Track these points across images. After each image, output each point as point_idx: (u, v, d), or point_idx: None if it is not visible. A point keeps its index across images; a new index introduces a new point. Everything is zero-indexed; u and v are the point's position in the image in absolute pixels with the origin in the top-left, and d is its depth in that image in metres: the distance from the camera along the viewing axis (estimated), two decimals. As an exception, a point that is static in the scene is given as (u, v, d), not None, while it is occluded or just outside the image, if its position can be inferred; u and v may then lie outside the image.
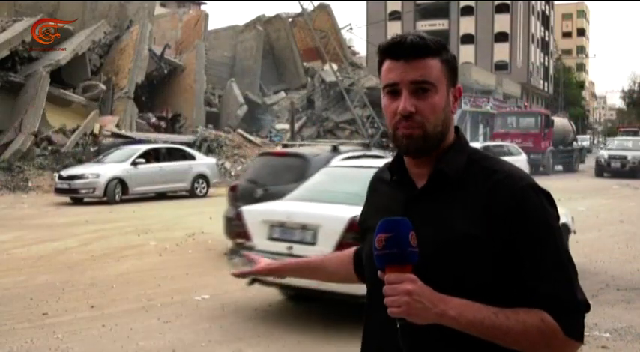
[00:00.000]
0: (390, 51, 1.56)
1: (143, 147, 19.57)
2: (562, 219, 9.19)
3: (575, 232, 9.54)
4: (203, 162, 20.24)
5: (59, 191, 18.14)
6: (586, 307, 1.54)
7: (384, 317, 1.47)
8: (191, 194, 19.27)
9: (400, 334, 1.42)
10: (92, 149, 23.34)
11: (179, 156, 19.86)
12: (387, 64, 1.57)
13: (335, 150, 9.86)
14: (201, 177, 19.67)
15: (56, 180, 18.55)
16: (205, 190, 19.67)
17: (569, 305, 1.49)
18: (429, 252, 1.46)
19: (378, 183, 1.77)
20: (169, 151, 20.02)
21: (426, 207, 1.56)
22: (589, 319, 6.28)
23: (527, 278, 1.48)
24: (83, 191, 17.61)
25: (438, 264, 1.48)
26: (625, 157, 28.64)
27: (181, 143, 25.60)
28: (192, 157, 20.10)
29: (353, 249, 1.95)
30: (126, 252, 10.35)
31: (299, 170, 8.96)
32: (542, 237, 1.51)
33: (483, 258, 1.49)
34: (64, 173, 18.39)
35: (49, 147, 23.67)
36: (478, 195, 1.53)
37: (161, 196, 19.16)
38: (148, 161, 18.74)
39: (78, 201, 17.78)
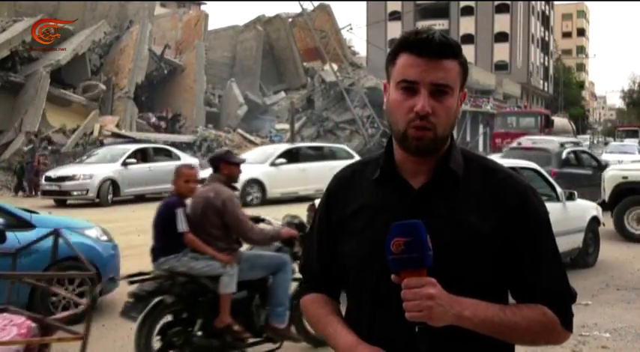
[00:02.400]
0: (415, 46, 1.50)
1: (132, 147, 19.29)
2: (593, 213, 9.30)
3: (604, 224, 9.64)
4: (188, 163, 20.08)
5: (46, 193, 17.70)
6: (575, 298, 1.61)
7: (393, 319, 1.48)
8: None
9: (419, 337, 1.41)
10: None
11: (165, 157, 19.51)
12: (405, 57, 1.52)
13: (562, 145, 14.73)
14: None
15: (42, 181, 18.09)
16: None
17: (567, 298, 1.56)
18: (440, 250, 1.43)
19: (352, 179, 1.68)
20: (155, 151, 19.72)
21: (432, 205, 1.54)
22: (589, 319, 6.30)
23: (528, 275, 1.54)
24: (75, 193, 17.17)
25: (445, 263, 1.46)
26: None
27: (181, 143, 25.58)
28: (178, 157, 19.62)
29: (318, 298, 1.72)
30: (127, 251, 10.30)
31: (546, 160, 12.99)
32: (542, 235, 1.57)
33: (487, 256, 1.52)
34: (53, 174, 17.87)
35: (49, 147, 23.69)
36: (484, 194, 1.55)
37: (140, 198, 18.62)
38: (136, 161, 18.44)
39: (61, 203, 17.33)
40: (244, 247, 5.16)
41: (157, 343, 4.69)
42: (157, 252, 4.84)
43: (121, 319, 6.44)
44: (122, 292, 7.82)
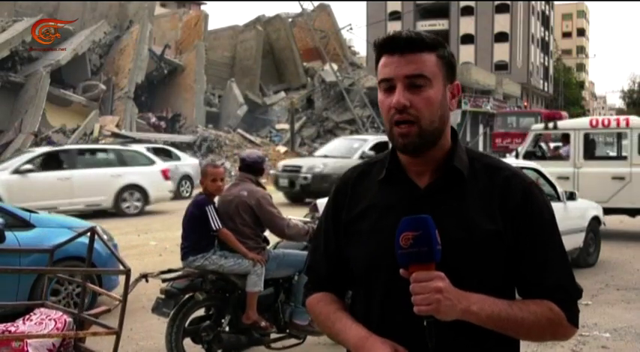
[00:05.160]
0: (385, 46, 1.55)
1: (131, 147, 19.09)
2: (593, 213, 9.32)
3: (604, 224, 9.66)
4: (188, 163, 19.80)
5: None
6: (581, 294, 1.62)
7: (402, 314, 1.49)
8: (176, 195, 18.46)
9: (427, 331, 1.43)
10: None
11: (165, 157, 19.17)
12: (382, 59, 1.56)
13: None
14: (186, 177, 19.23)
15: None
16: (190, 191, 19.11)
17: (573, 294, 1.58)
18: (447, 248, 1.45)
19: (359, 180, 1.69)
20: (155, 151, 19.21)
21: (439, 204, 1.55)
22: (589, 319, 6.30)
23: (534, 271, 1.56)
24: None
25: (452, 261, 1.48)
26: (298, 169, 16.93)
27: (181, 143, 25.55)
28: (178, 158, 19.64)
29: (322, 297, 1.72)
30: (126, 251, 10.32)
31: None
32: (547, 231, 1.59)
33: (500, 253, 1.54)
34: None
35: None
36: (490, 192, 1.57)
37: None
38: None
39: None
40: (270, 246, 5.32)
41: (187, 337, 4.86)
42: (186, 251, 4.95)
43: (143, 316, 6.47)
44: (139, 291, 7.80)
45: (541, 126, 12.42)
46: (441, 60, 1.55)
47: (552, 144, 13.15)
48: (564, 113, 14.04)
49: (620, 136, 12.70)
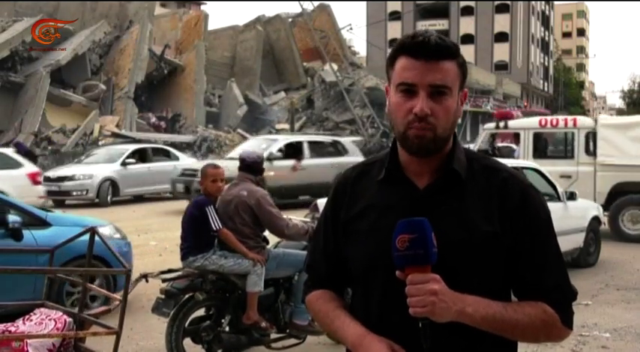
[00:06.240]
0: (412, 49, 1.53)
1: (131, 148, 19.09)
2: (594, 212, 9.34)
3: (604, 224, 9.67)
4: (187, 163, 19.96)
5: (46, 193, 16.64)
6: (576, 296, 1.63)
7: (399, 315, 1.50)
8: (175, 195, 18.94)
9: (422, 332, 1.44)
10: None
11: (163, 157, 19.38)
12: (403, 61, 1.54)
13: None
14: None
15: (42, 181, 16.66)
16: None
17: (568, 296, 1.59)
18: (445, 249, 1.46)
19: (358, 179, 1.70)
20: (154, 151, 19.58)
21: (437, 205, 1.56)
22: (589, 319, 6.31)
23: (530, 273, 1.57)
24: (75, 193, 16.93)
25: (450, 262, 1.49)
26: (195, 174, 15.57)
27: (181, 143, 25.53)
28: (177, 158, 19.59)
29: (322, 293, 1.73)
30: (126, 252, 10.32)
31: None
32: (543, 233, 1.59)
33: (499, 254, 1.55)
34: (52, 174, 17.53)
35: (49, 147, 23.69)
36: (488, 193, 1.58)
37: (139, 198, 18.56)
38: (135, 161, 18.29)
39: (60, 203, 16.91)
40: (270, 245, 5.30)
41: (187, 337, 4.86)
42: (186, 251, 4.95)
43: (145, 316, 6.46)
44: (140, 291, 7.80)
45: (493, 125, 12.79)
46: (460, 68, 1.56)
47: (497, 144, 13.48)
48: (516, 112, 14.45)
49: (568, 136, 12.66)
